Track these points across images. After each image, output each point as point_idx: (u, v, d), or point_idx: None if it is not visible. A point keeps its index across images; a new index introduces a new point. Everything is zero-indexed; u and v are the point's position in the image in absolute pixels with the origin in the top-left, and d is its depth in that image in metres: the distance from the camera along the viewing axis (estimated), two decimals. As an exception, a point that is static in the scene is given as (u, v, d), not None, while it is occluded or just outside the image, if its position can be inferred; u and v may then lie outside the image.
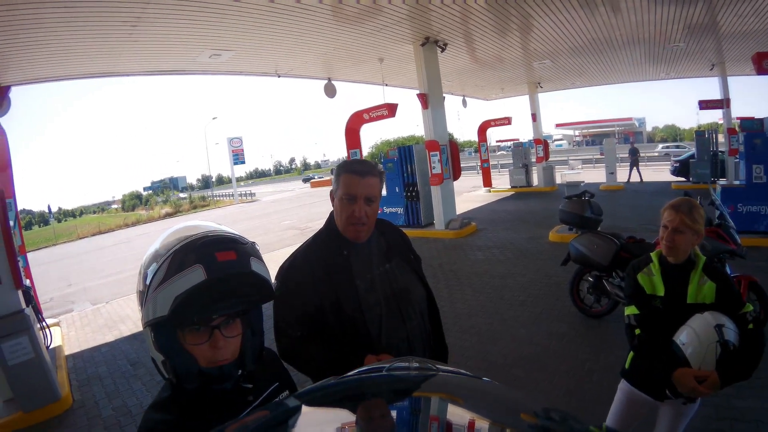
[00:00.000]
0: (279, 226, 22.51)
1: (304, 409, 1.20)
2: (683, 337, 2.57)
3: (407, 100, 16.73)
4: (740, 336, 2.51)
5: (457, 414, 1.16)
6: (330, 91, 16.71)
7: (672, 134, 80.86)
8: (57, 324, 10.27)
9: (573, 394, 5.02)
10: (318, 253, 2.39)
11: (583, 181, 17.16)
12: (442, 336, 2.70)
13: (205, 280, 1.26)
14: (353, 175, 2.30)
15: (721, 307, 2.61)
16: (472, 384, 1.33)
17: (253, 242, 1.46)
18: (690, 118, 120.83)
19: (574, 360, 5.78)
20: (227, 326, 1.38)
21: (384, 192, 12.89)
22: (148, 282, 1.32)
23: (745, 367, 2.50)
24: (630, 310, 2.85)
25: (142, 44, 10.30)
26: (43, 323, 7.86)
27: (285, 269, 2.40)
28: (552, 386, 5.25)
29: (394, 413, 1.15)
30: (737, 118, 20.42)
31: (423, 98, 14.25)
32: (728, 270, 5.58)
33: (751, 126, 11.28)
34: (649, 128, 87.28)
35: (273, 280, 1.66)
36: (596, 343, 6.16)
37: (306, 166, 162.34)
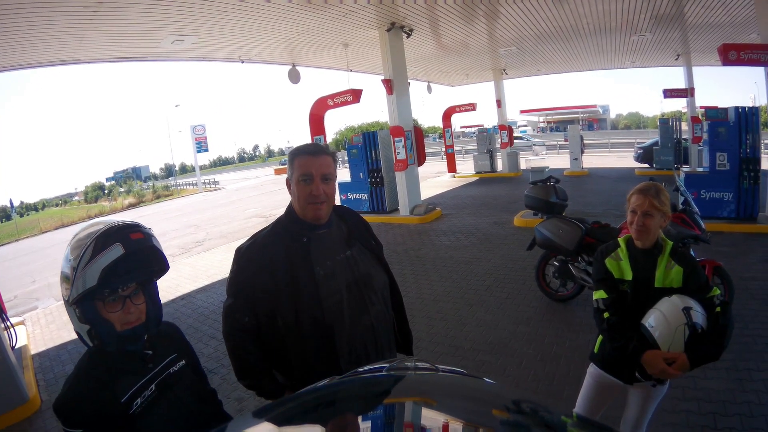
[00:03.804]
0: (243, 215, 22.30)
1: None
2: (652, 320, 2.60)
3: (372, 86, 16.68)
4: (708, 319, 2.54)
5: (430, 417, 1.14)
6: (294, 76, 16.62)
7: (635, 121, 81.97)
8: (22, 323, 10.03)
9: (540, 379, 5.03)
10: (278, 238, 2.38)
11: (547, 167, 17.28)
12: (406, 322, 2.75)
13: (124, 253, 1.71)
14: (306, 156, 2.33)
15: (688, 291, 2.64)
16: (444, 383, 1.34)
17: (150, 228, 1.91)
18: (654, 106, 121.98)
19: (540, 344, 5.80)
20: (134, 296, 1.81)
21: (348, 178, 12.90)
22: (75, 265, 1.73)
23: (713, 349, 2.52)
24: (598, 295, 2.87)
25: (103, 30, 10.07)
26: (8, 323, 7.68)
27: (242, 251, 2.40)
28: (520, 371, 5.26)
29: (368, 424, 1.18)
30: (701, 107, 20.82)
31: (388, 84, 14.20)
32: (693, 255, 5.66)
33: (715, 115, 11.55)
34: (613, 115, 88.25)
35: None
36: (562, 327, 6.20)
37: (270, 153, 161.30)
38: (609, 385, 2.99)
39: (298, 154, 2.34)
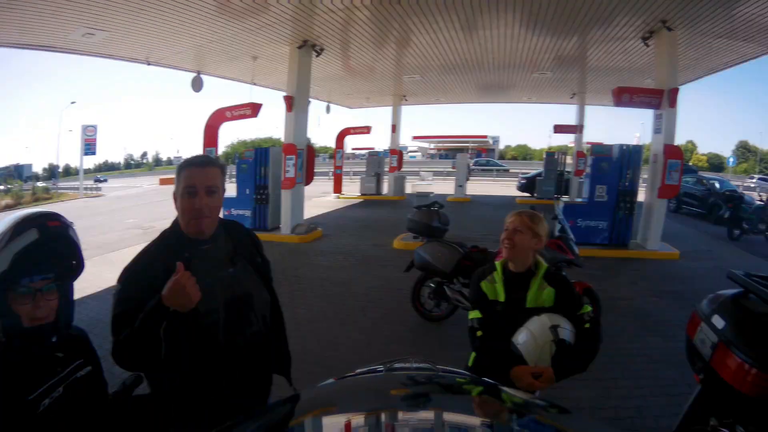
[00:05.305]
0: (122, 225, 21.36)
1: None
2: (521, 338, 2.74)
3: (271, 101, 16.51)
4: (576, 334, 2.72)
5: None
6: (197, 84, 16.49)
7: (522, 153, 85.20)
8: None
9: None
10: (159, 255, 2.26)
11: (432, 192, 17.67)
12: (286, 343, 2.73)
13: (38, 238, 1.75)
14: (193, 167, 2.25)
15: (560, 309, 2.81)
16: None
17: (72, 222, 2.00)
18: (543, 140, 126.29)
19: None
20: (47, 292, 1.80)
21: (234, 193, 12.56)
22: None
23: (580, 362, 2.75)
24: (473, 314, 3.02)
25: (18, 12, 9.76)
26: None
27: (126, 270, 2.27)
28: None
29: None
30: (588, 143, 22.11)
31: (289, 101, 14.09)
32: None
33: (601, 150, 12.57)
34: (502, 146, 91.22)
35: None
36: (435, 345, 6.34)
37: (158, 162, 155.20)
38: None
39: (186, 166, 2.26)
